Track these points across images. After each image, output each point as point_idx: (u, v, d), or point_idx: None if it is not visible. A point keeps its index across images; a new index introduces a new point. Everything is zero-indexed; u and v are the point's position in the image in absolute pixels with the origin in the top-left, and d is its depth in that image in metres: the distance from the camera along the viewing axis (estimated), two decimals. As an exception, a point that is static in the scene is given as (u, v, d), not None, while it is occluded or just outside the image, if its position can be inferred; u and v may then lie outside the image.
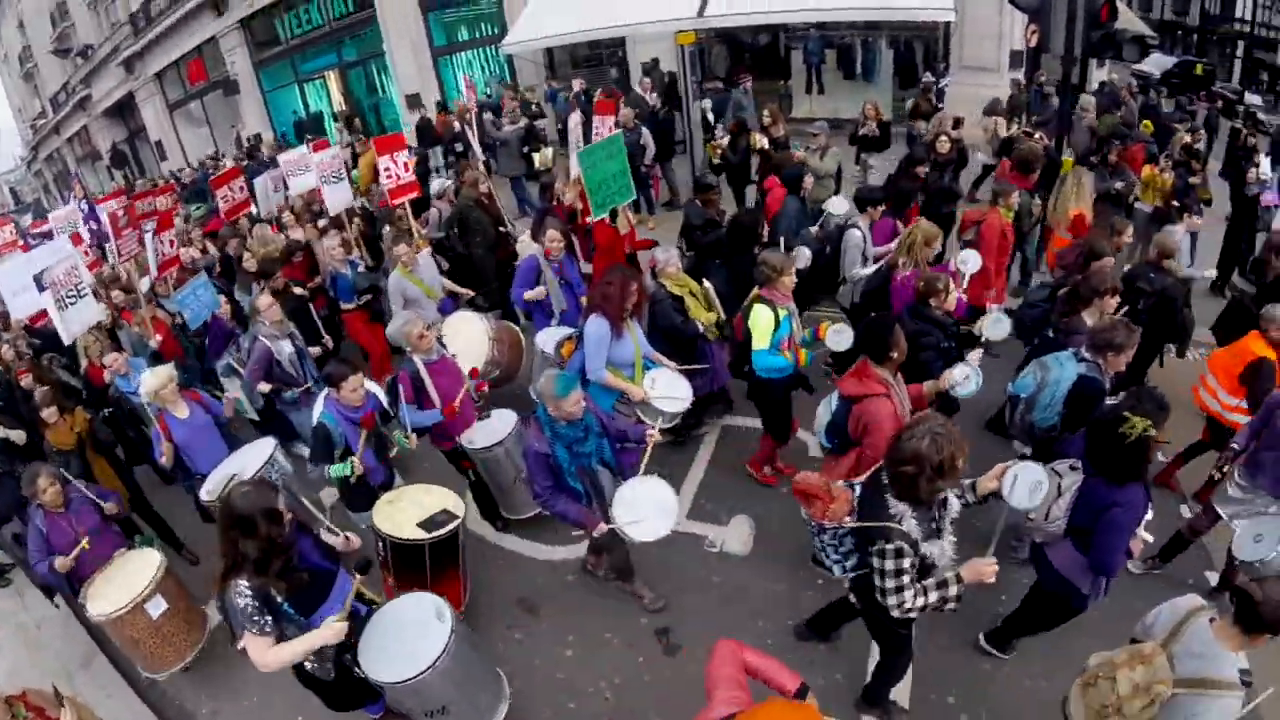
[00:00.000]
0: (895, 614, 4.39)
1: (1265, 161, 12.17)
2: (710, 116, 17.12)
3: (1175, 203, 11.33)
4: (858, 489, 4.76)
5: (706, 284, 8.43)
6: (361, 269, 10.75)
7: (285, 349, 8.73)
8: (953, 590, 4.37)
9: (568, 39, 18.97)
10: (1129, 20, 18.59)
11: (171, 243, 11.56)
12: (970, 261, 8.22)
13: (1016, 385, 6.54)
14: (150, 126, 34.34)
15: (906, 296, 7.63)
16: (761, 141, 13.64)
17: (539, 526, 7.95)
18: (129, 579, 6.83)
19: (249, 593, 4.56)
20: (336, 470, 6.58)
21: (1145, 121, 17.75)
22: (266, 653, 4.65)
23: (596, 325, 7.26)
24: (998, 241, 9.16)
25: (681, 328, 8.04)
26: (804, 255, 8.49)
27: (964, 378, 6.07)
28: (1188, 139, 14.09)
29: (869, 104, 15.27)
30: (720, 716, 3.33)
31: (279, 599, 4.70)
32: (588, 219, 10.49)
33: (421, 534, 6.33)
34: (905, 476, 4.19)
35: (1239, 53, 40.22)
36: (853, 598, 5.18)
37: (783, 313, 7.10)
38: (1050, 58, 14.94)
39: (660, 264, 8.29)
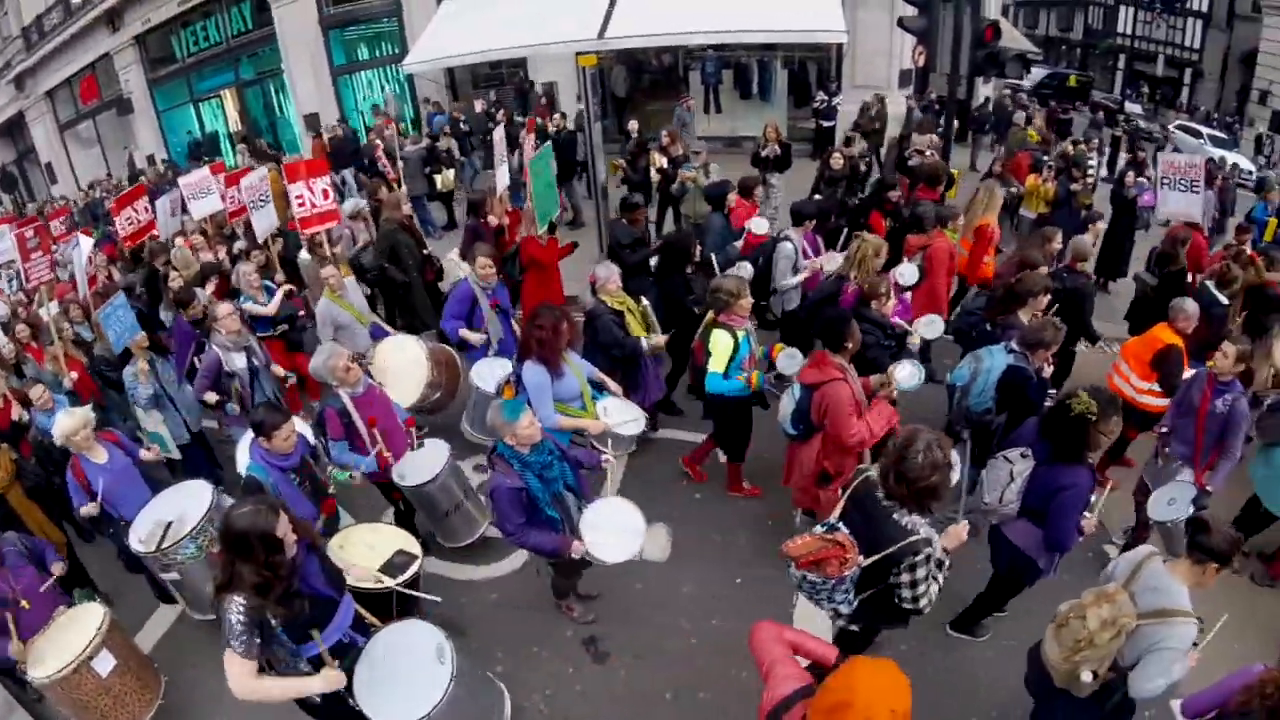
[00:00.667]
0: (925, 610, 4.60)
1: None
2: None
3: (1086, 209, 12.05)
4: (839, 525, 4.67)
5: (644, 302, 8.42)
6: (279, 297, 10.16)
7: (238, 362, 8.33)
8: (946, 564, 4.69)
9: (469, 59, 18.95)
10: (1013, 38, 19.34)
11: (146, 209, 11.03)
12: (906, 275, 8.63)
13: (954, 376, 6.95)
14: (40, 147, 32.50)
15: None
16: (660, 161, 13.93)
17: (461, 549, 7.81)
18: (70, 636, 6.06)
19: (242, 611, 4.30)
20: None
21: (1030, 130, 18.57)
22: (245, 678, 4.34)
23: (534, 373, 6.90)
24: (947, 264, 9.43)
25: (623, 342, 7.99)
26: (746, 270, 8.75)
27: (907, 375, 6.55)
28: (1069, 149, 14.87)
29: (769, 125, 15.45)
30: (788, 693, 3.44)
31: (273, 623, 4.45)
32: (517, 235, 10.52)
33: (386, 580, 5.92)
34: (932, 487, 4.33)
35: (1120, 65, 41.75)
36: (843, 623, 5.08)
37: (741, 334, 7.23)
38: (938, 76, 15.50)
39: (601, 280, 8.24)
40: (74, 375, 9.34)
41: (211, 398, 8.32)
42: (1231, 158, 27.39)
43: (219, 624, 4.41)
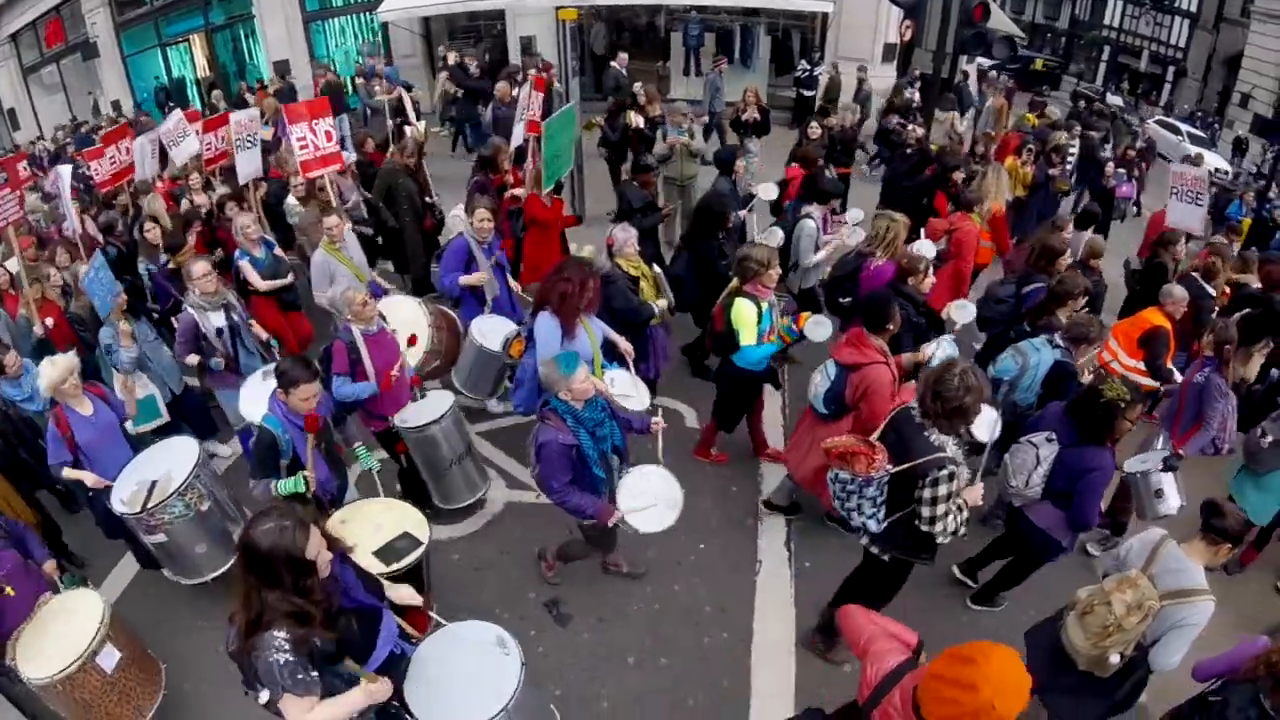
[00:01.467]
0: (940, 540, 4.95)
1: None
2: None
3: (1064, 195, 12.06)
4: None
5: (656, 269, 8.22)
6: (276, 251, 9.54)
7: (214, 321, 7.80)
8: (964, 515, 5.01)
9: (446, 8, 18.70)
10: (1001, 21, 19.25)
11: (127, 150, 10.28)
12: (926, 253, 8.47)
13: (998, 369, 6.95)
14: (3, 93, 30.56)
15: (877, 285, 7.89)
16: (636, 120, 13.54)
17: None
18: (67, 629, 5.42)
19: (288, 646, 3.64)
20: (286, 486, 5.69)
21: (1028, 115, 18.56)
22: (306, 715, 3.76)
23: (547, 325, 6.76)
24: (975, 248, 9.44)
25: (638, 309, 7.76)
26: (777, 238, 8.54)
27: (944, 354, 6.50)
28: (1062, 140, 14.86)
29: (749, 90, 15.30)
30: (894, 665, 3.53)
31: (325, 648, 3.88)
32: (518, 191, 10.22)
33: (379, 565, 5.45)
34: (964, 408, 4.72)
35: (1104, 56, 41.93)
36: (875, 549, 5.37)
37: (764, 305, 7.08)
38: (923, 52, 15.36)
39: (619, 243, 7.99)
40: (49, 322, 8.68)
41: (193, 359, 7.88)
42: (1209, 157, 27.55)
43: (247, 666, 3.77)
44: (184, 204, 11.45)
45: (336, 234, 8.74)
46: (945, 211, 10.29)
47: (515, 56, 23.50)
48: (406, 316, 8.14)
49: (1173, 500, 5.97)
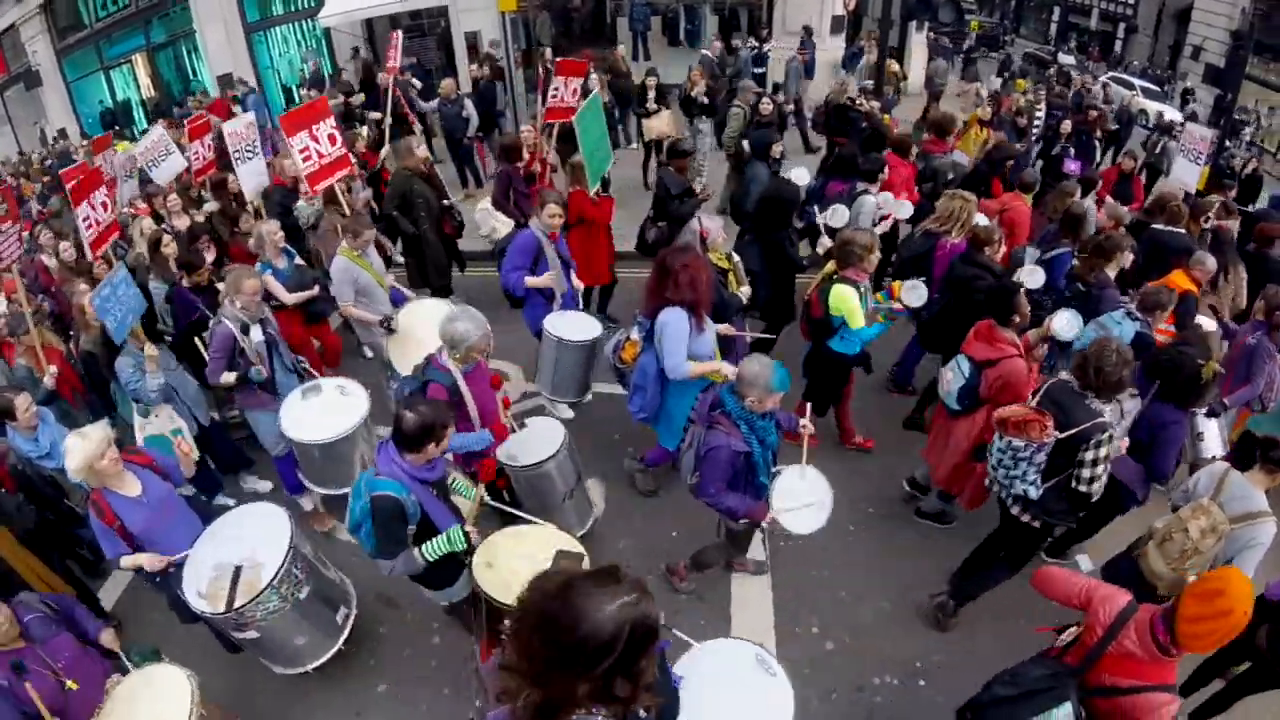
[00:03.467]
0: (1094, 498, 5.40)
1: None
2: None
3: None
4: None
5: (736, 258, 7.95)
6: (298, 261, 8.78)
7: (255, 336, 6.98)
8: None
9: (388, 8, 18.57)
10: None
11: (105, 204, 8.96)
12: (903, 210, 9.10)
13: (1081, 342, 6.75)
14: None
15: (944, 264, 8.20)
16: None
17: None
18: (152, 713, 4.68)
19: None
20: (440, 547, 4.91)
21: (1020, 81, 18.74)
22: None
23: (678, 318, 6.33)
24: (1028, 227, 9.49)
25: (729, 302, 7.48)
26: (842, 215, 8.41)
27: (1064, 324, 6.57)
28: (1020, 100, 15.08)
29: (695, 69, 15.35)
30: (1125, 602, 4.11)
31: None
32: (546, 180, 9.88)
33: None
34: (1121, 380, 5.26)
35: (1055, 17, 42.14)
36: (1026, 516, 5.73)
37: (861, 289, 7.04)
38: (870, 20, 15.42)
39: (712, 235, 7.79)
40: (53, 369, 7.76)
41: (230, 378, 6.91)
42: (1166, 110, 27.85)
43: None
44: (144, 224, 10.54)
45: (360, 242, 8.04)
46: (999, 192, 10.19)
47: (461, 52, 23.25)
48: (434, 310, 7.57)
49: (1213, 445, 6.48)
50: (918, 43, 23.92)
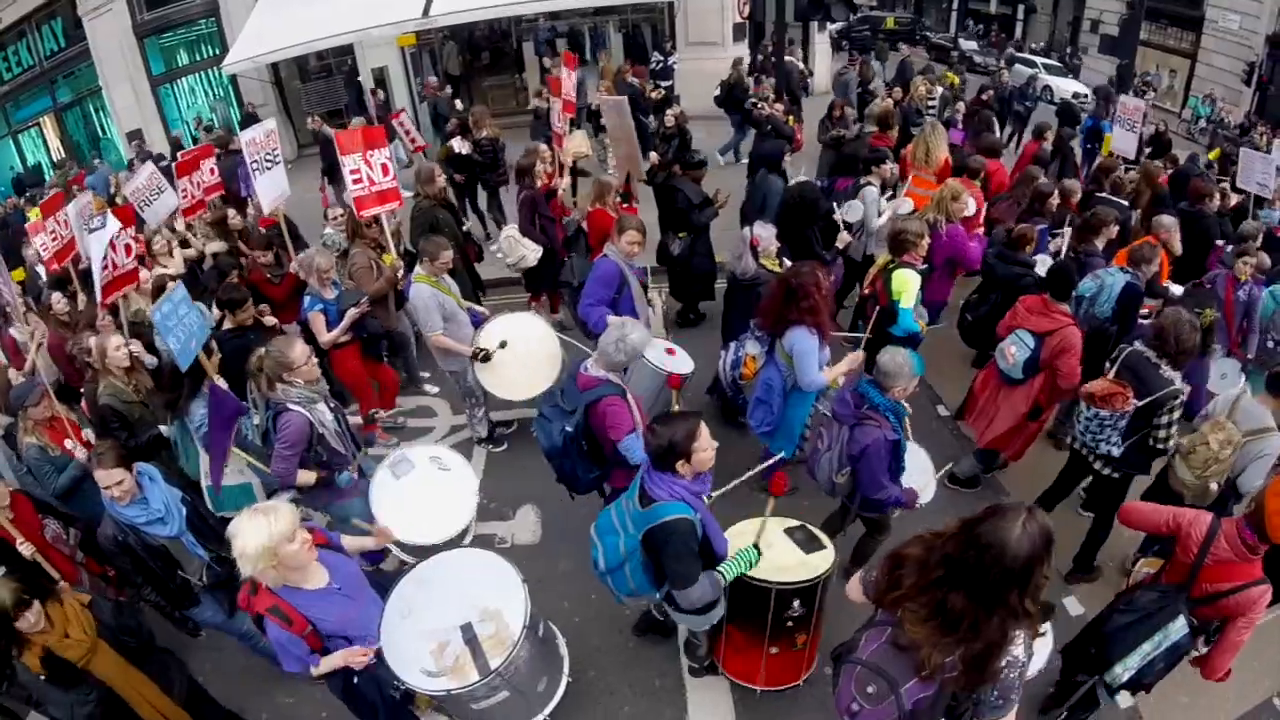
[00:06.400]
0: (1169, 453, 6.04)
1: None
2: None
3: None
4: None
5: (788, 263, 7.92)
6: (349, 317, 8.01)
7: (326, 417, 5.82)
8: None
9: (292, 51, 18.47)
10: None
11: (132, 245, 8.24)
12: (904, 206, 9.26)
13: (1081, 289, 7.62)
14: None
15: (947, 249, 8.72)
16: (462, 146, 13.57)
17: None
18: None
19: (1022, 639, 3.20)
20: (739, 566, 4.69)
21: (950, 74, 19.38)
22: None
23: (805, 340, 6.36)
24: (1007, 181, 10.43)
25: None
26: (857, 211, 8.87)
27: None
28: (922, 90, 15.68)
29: (604, 84, 15.85)
30: (1209, 520, 4.63)
31: None
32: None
33: (823, 561, 5.10)
34: (1194, 347, 5.89)
35: (954, 5, 42.98)
36: (1108, 470, 6.37)
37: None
38: (769, 24, 15.83)
39: (763, 243, 7.89)
40: (78, 447, 6.59)
41: (309, 478, 5.76)
42: (1068, 84, 28.87)
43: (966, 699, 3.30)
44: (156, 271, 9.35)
45: (439, 266, 7.57)
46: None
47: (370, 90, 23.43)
48: (537, 332, 7.89)
49: (1236, 379, 7.27)
50: (820, 42, 24.47)
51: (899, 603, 3.28)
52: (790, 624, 5.14)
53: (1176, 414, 5.89)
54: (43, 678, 4.47)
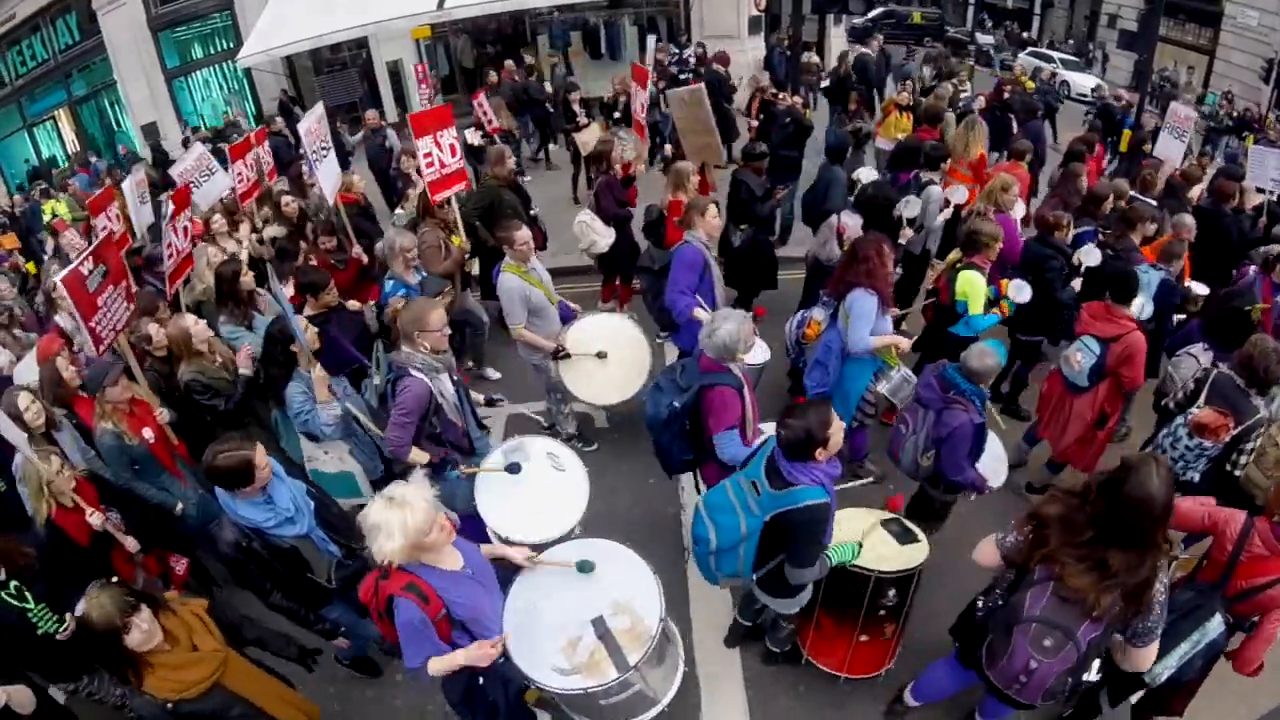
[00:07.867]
0: (1239, 476, 5.83)
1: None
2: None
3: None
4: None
5: None
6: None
7: (448, 389, 5.65)
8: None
9: (306, 44, 18.48)
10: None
11: (189, 227, 8.20)
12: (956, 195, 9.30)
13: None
14: None
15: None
16: (475, 139, 13.59)
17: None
18: None
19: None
20: (846, 551, 4.85)
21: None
22: None
23: (865, 298, 6.54)
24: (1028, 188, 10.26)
25: None
26: (915, 206, 8.73)
27: (1017, 289, 7.42)
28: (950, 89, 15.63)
29: (618, 79, 15.70)
30: (1244, 516, 4.64)
31: None
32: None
33: (918, 551, 5.17)
34: (1277, 376, 5.76)
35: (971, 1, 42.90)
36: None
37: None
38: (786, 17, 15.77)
39: (850, 231, 8.01)
40: (148, 433, 6.08)
41: (422, 457, 5.54)
42: (1085, 79, 28.70)
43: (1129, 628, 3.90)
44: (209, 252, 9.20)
45: (524, 251, 7.20)
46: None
47: (384, 83, 23.60)
48: (626, 334, 7.79)
49: None
50: (836, 35, 24.36)
51: (1049, 559, 3.82)
52: (883, 612, 5.27)
53: (1259, 441, 5.79)
54: (169, 706, 3.93)
